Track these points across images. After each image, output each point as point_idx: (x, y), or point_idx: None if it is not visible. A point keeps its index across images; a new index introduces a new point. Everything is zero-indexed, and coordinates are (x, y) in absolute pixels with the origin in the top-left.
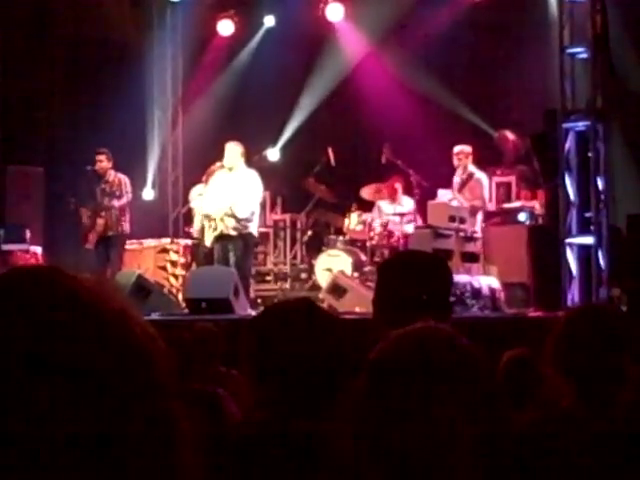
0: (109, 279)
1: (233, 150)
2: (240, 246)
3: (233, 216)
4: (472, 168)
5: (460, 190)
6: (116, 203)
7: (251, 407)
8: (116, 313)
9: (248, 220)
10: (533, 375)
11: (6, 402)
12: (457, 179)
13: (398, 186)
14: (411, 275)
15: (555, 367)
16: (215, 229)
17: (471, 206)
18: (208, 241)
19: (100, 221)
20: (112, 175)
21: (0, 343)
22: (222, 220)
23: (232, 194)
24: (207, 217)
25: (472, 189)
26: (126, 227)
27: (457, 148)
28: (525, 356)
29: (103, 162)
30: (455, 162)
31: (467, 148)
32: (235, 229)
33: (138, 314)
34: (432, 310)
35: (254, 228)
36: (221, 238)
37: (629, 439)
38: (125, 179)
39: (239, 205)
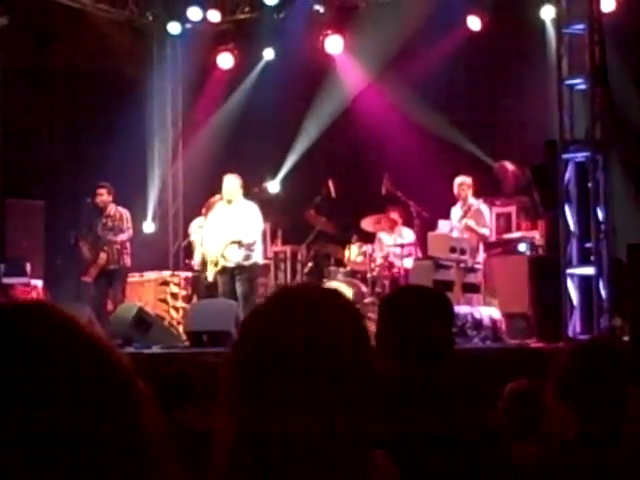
0: (87, 315)
1: (231, 182)
2: (246, 278)
3: (238, 243)
4: (473, 200)
5: (461, 221)
6: (118, 238)
7: None
8: (105, 344)
9: (251, 246)
10: (535, 407)
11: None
12: (458, 211)
13: (395, 216)
14: (412, 312)
15: (559, 400)
16: (216, 264)
17: (478, 234)
18: (210, 276)
19: (102, 255)
20: (113, 209)
21: None
22: (222, 256)
23: (233, 226)
24: (207, 253)
25: (476, 219)
26: (127, 261)
27: (458, 179)
28: (527, 388)
29: (104, 196)
30: (456, 192)
31: (468, 179)
32: (238, 260)
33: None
34: (434, 345)
35: (258, 257)
36: (224, 272)
37: (632, 473)
38: (126, 213)
39: (242, 232)
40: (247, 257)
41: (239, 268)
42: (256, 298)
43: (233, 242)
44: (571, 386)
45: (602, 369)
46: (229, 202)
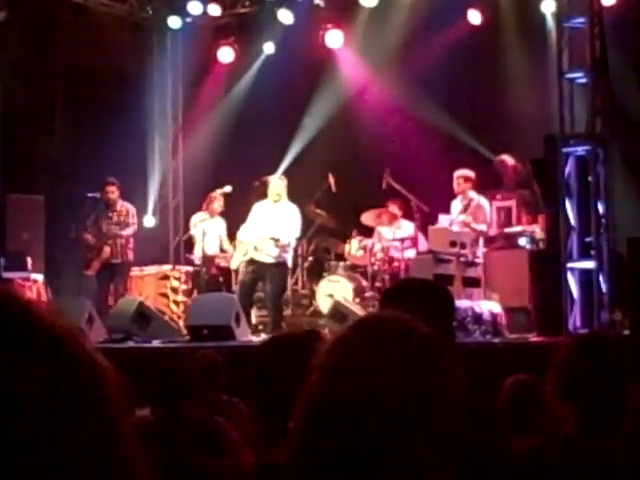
0: (59, 309)
1: (278, 184)
2: (275, 276)
3: (275, 239)
4: (473, 194)
5: (459, 216)
6: (124, 232)
7: (253, 434)
8: (67, 333)
9: (286, 247)
10: (535, 401)
11: None
12: (458, 204)
13: (394, 208)
14: (413, 305)
15: (557, 394)
16: (245, 254)
17: (476, 231)
18: (235, 263)
19: (106, 249)
20: (119, 204)
21: None
22: (255, 248)
23: (274, 223)
24: (240, 242)
25: (475, 214)
26: (130, 256)
27: (458, 172)
28: (528, 382)
29: (114, 193)
30: (456, 186)
31: (468, 173)
32: (271, 257)
33: (88, 343)
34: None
35: (289, 258)
36: (252, 262)
37: (630, 467)
38: (132, 209)
39: (282, 231)
40: (279, 256)
41: (268, 266)
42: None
43: (271, 238)
44: (571, 380)
45: (601, 363)
46: (275, 201)
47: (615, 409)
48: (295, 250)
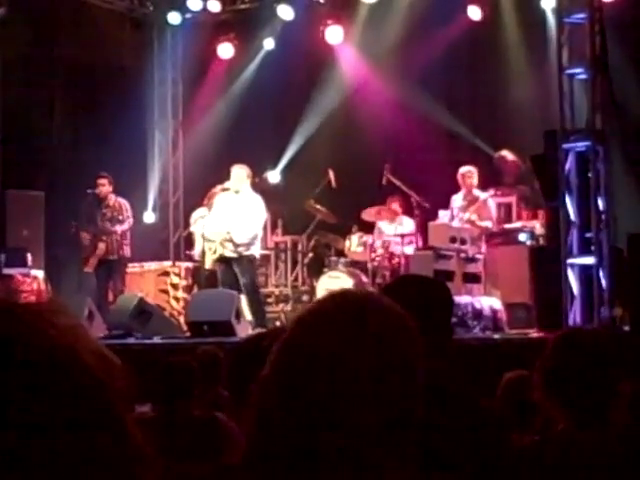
0: (60, 304)
1: (238, 173)
2: (245, 269)
3: (231, 241)
4: (477, 191)
5: (464, 212)
6: (118, 228)
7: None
8: (64, 350)
9: (248, 244)
10: (533, 397)
11: None
12: (460, 200)
13: (395, 206)
14: (411, 300)
15: (545, 393)
16: (214, 252)
17: (481, 228)
18: (208, 263)
19: (101, 245)
20: (112, 199)
21: None
22: (221, 244)
23: (233, 218)
24: (207, 239)
25: (480, 211)
26: (127, 251)
27: (464, 169)
28: (525, 378)
29: (105, 186)
30: (461, 182)
31: (473, 169)
32: (235, 252)
33: (89, 340)
34: (433, 334)
35: (256, 251)
36: (222, 260)
37: (623, 459)
38: (125, 203)
39: (237, 230)
40: (246, 249)
41: (237, 259)
42: (259, 288)
43: (235, 230)
44: (554, 380)
45: (580, 359)
46: (236, 192)
47: (602, 402)
48: (294, 246)
